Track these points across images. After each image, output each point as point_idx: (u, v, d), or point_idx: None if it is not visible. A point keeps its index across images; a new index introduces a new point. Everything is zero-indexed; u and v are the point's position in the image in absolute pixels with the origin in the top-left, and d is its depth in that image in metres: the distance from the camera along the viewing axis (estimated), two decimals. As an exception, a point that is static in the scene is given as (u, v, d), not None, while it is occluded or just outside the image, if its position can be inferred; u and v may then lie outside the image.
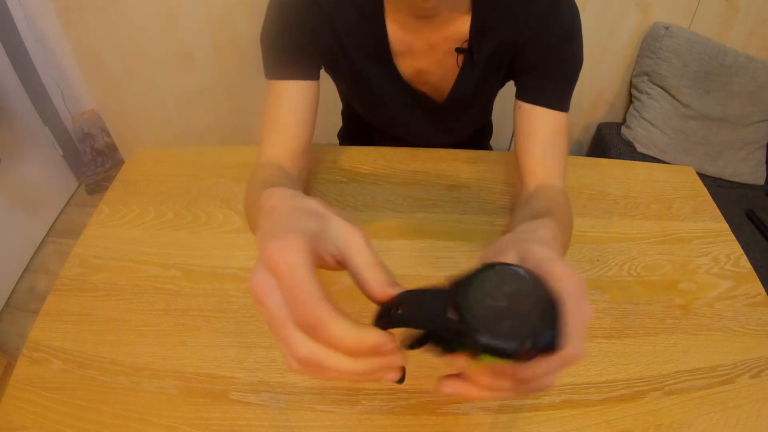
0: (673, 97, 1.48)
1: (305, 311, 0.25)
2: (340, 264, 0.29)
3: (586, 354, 0.26)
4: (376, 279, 0.28)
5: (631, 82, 1.60)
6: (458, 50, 0.61)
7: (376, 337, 0.25)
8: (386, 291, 0.27)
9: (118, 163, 1.81)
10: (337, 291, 0.59)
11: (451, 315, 0.24)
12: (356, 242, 0.29)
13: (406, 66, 0.65)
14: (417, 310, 0.26)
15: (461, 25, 0.59)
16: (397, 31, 0.60)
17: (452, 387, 0.29)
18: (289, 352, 0.26)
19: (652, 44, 1.47)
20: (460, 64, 0.63)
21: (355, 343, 0.24)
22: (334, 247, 0.29)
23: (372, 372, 0.26)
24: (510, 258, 0.30)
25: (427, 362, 0.52)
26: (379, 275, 0.28)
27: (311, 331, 0.25)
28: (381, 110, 0.74)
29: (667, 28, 1.43)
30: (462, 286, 0.25)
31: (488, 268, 0.25)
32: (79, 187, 1.80)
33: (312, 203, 0.31)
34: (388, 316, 0.26)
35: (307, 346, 0.25)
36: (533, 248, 0.30)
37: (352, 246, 0.29)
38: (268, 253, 0.26)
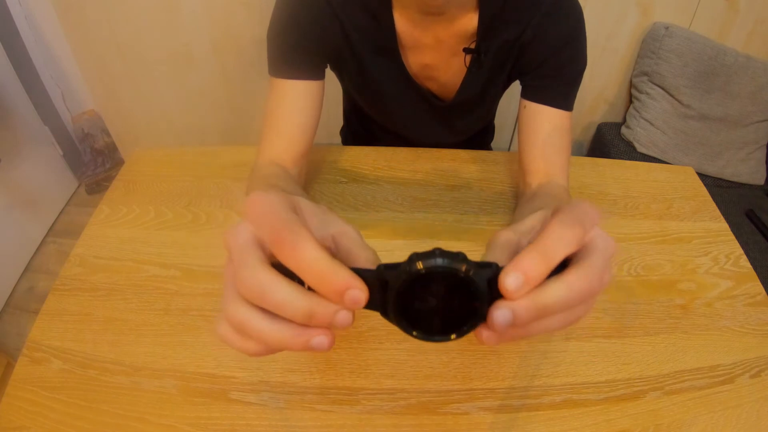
0: (673, 97, 1.48)
1: (276, 231, 0.24)
2: (330, 251, 0.29)
3: (610, 282, 0.27)
4: (368, 258, 0.28)
5: (631, 82, 1.60)
6: (466, 50, 0.61)
7: (349, 275, 0.24)
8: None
9: (118, 163, 1.81)
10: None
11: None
12: (351, 229, 0.30)
13: (413, 61, 0.65)
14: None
15: (468, 23, 0.59)
16: (404, 26, 0.60)
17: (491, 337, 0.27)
18: (247, 287, 0.25)
19: (652, 44, 1.47)
20: (467, 64, 0.63)
21: (326, 271, 0.24)
22: (328, 234, 0.29)
23: (316, 319, 0.25)
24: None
25: (426, 362, 0.52)
26: (369, 254, 0.29)
27: (287, 251, 0.24)
28: (386, 107, 0.74)
29: (667, 28, 1.43)
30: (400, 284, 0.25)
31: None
32: (79, 187, 1.80)
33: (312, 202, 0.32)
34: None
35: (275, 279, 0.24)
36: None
37: (346, 231, 0.30)
38: (248, 200, 0.26)
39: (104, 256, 0.63)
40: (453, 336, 0.26)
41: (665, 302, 0.61)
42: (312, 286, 0.24)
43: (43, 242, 1.61)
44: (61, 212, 1.71)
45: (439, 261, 0.24)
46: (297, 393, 0.50)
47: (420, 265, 0.24)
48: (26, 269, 1.53)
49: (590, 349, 0.55)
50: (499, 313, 0.24)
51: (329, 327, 0.25)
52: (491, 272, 0.25)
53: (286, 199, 0.27)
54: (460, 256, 0.25)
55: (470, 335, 0.27)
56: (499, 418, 0.49)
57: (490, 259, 0.28)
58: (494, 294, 0.25)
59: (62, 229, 1.66)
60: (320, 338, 0.25)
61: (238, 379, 0.51)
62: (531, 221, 0.32)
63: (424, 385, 0.51)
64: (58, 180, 1.71)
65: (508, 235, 0.31)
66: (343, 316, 0.24)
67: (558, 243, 0.25)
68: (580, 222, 0.26)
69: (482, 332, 0.26)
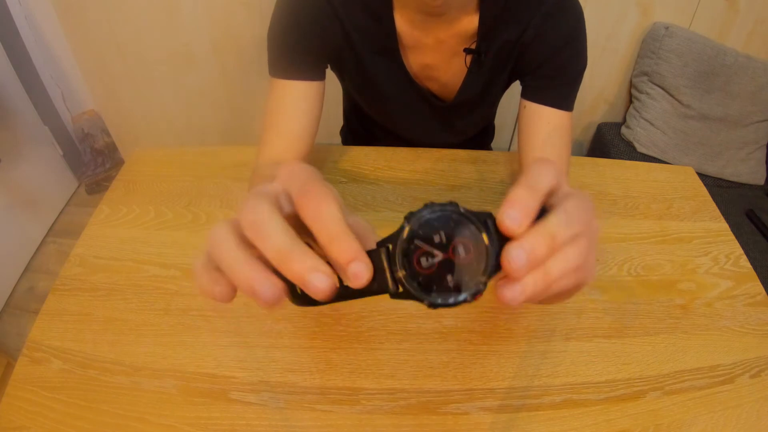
0: (673, 97, 1.48)
1: (306, 185, 0.25)
2: None
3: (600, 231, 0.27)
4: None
5: (631, 82, 1.60)
6: (466, 50, 0.61)
7: (360, 249, 0.23)
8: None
9: (118, 163, 1.81)
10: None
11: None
12: (364, 220, 0.30)
13: (414, 61, 0.65)
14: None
15: (469, 23, 0.59)
16: (405, 27, 0.60)
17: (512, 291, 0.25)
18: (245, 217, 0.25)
19: (652, 44, 1.47)
20: (468, 65, 0.63)
21: (341, 235, 0.23)
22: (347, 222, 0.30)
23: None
24: None
25: (426, 362, 0.52)
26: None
27: (312, 205, 0.24)
28: (387, 108, 0.74)
29: (667, 28, 1.43)
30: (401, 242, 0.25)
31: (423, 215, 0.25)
32: (79, 187, 1.80)
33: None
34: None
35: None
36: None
37: (359, 221, 0.29)
38: (283, 165, 0.26)
39: (104, 256, 0.63)
40: (470, 293, 0.24)
41: (665, 302, 0.61)
42: (323, 245, 0.24)
43: (43, 242, 1.61)
44: (61, 212, 1.71)
45: (436, 206, 0.25)
46: (297, 393, 0.50)
47: (411, 220, 0.25)
48: (26, 269, 1.53)
49: (590, 349, 0.55)
50: (513, 253, 0.24)
51: (301, 283, 0.23)
52: (487, 216, 0.25)
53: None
54: (452, 203, 0.25)
55: (487, 307, 0.26)
56: (499, 418, 0.49)
57: None
58: (500, 243, 0.25)
59: (62, 229, 1.66)
60: (269, 290, 0.24)
61: (238, 379, 0.51)
62: None
63: (424, 385, 0.51)
64: (58, 180, 1.71)
65: None
66: (318, 278, 0.23)
67: (539, 174, 0.26)
68: (553, 161, 0.28)
69: (504, 291, 0.25)
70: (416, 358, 0.53)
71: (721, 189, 1.47)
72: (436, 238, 0.25)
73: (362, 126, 0.91)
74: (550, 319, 0.57)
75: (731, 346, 0.57)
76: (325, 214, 0.24)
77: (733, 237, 0.70)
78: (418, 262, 0.25)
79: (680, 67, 1.44)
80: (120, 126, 1.73)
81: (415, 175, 0.75)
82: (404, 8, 0.59)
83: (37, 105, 1.53)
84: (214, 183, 0.73)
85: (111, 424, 0.47)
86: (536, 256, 0.24)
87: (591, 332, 0.57)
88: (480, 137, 0.95)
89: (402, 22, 0.60)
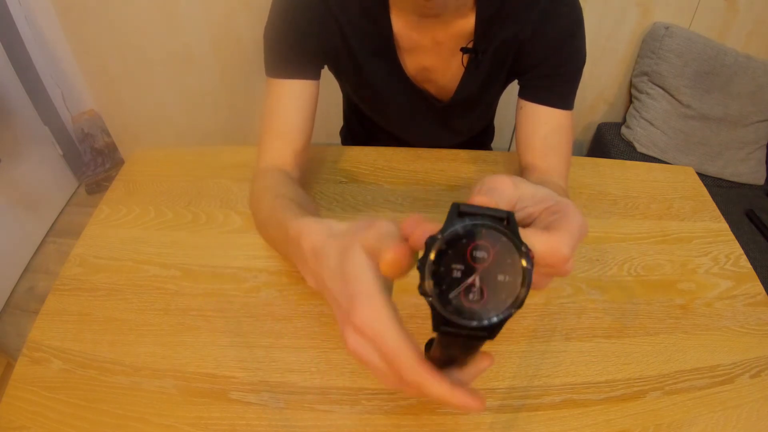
0: (673, 97, 1.48)
1: (406, 375, 0.27)
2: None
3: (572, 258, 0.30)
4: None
5: (631, 82, 1.60)
6: (463, 50, 0.61)
7: (467, 399, 0.27)
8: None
9: (118, 163, 1.81)
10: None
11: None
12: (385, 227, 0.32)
13: (411, 63, 0.64)
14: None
15: (466, 23, 0.59)
16: (402, 28, 0.60)
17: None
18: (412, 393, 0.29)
19: (652, 44, 1.47)
20: (465, 64, 0.63)
21: (453, 402, 0.27)
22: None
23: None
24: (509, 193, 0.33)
25: (427, 362, 0.52)
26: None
27: (414, 388, 0.28)
28: (385, 109, 0.74)
29: (667, 28, 1.43)
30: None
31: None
32: (79, 187, 1.80)
33: (346, 229, 0.33)
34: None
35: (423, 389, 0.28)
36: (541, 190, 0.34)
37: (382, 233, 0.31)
38: (358, 323, 0.28)
39: (104, 256, 0.63)
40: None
41: (665, 302, 0.61)
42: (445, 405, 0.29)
43: (43, 242, 1.61)
44: (61, 212, 1.71)
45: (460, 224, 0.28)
46: (297, 393, 0.50)
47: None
48: (26, 269, 1.53)
49: (590, 349, 0.55)
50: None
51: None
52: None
53: (386, 306, 0.28)
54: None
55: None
56: (499, 418, 0.49)
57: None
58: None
59: (62, 229, 1.66)
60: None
61: (238, 379, 0.51)
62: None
63: (424, 385, 0.51)
64: (58, 180, 1.71)
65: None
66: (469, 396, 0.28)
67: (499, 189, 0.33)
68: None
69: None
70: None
71: (721, 189, 1.47)
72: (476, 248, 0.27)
73: (362, 127, 0.91)
74: (550, 319, 0.57)
75: (731, 346, 0.57)
76: (431, 391, 0.27)
77: (733, 237, 0.70)
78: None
79: (680, 67, 1.44)
80: (120, 126, 1.73)
81: (415, 175, 0.75)
82: (400, 10, 0.59)
83: (37, 105, 1.53)
84: (214, 183, 0.73)
85: (111, 424, 0.47)
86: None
87: (591, 332, 0.57)
88: (480, 137, 0.95)
89: (399, 24, 0.60)
